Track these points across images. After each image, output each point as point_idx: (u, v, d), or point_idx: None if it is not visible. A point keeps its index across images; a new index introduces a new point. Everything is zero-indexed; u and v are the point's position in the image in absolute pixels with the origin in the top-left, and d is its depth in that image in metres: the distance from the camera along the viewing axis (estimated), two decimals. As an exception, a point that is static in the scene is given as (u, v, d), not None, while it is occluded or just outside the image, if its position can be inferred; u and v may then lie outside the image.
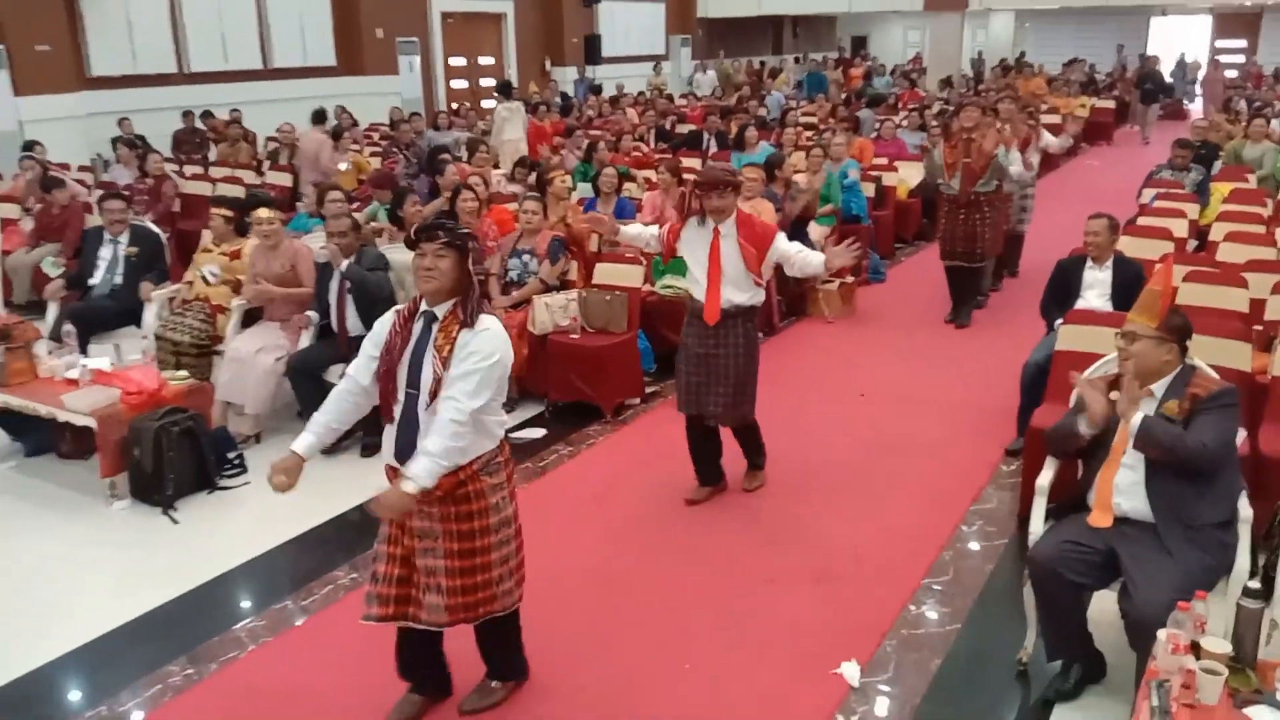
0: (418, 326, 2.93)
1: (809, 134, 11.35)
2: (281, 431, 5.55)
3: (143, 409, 4.76)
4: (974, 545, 4.25)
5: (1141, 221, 6.97)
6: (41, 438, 5.32)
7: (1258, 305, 5.11)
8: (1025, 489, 4.24)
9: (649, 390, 6.05)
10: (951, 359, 6.55)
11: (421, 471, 2.78)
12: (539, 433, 5.56)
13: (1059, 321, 4.79)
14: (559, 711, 3.25)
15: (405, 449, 2.91)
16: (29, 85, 12.12)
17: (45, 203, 7.75)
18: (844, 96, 16.21)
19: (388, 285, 5.40)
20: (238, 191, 8.51)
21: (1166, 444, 3.07)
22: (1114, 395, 3.24)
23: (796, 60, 23.22)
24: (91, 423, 4.67)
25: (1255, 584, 2.70)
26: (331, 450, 5.19)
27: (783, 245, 4.33)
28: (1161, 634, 2.61)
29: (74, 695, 3.44)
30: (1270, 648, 2.68)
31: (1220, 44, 25.68)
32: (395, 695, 3.26)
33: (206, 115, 12.95)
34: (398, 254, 5.55)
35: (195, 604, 3.96)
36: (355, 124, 13.15)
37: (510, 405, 5.77)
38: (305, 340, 5.47)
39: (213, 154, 12.13)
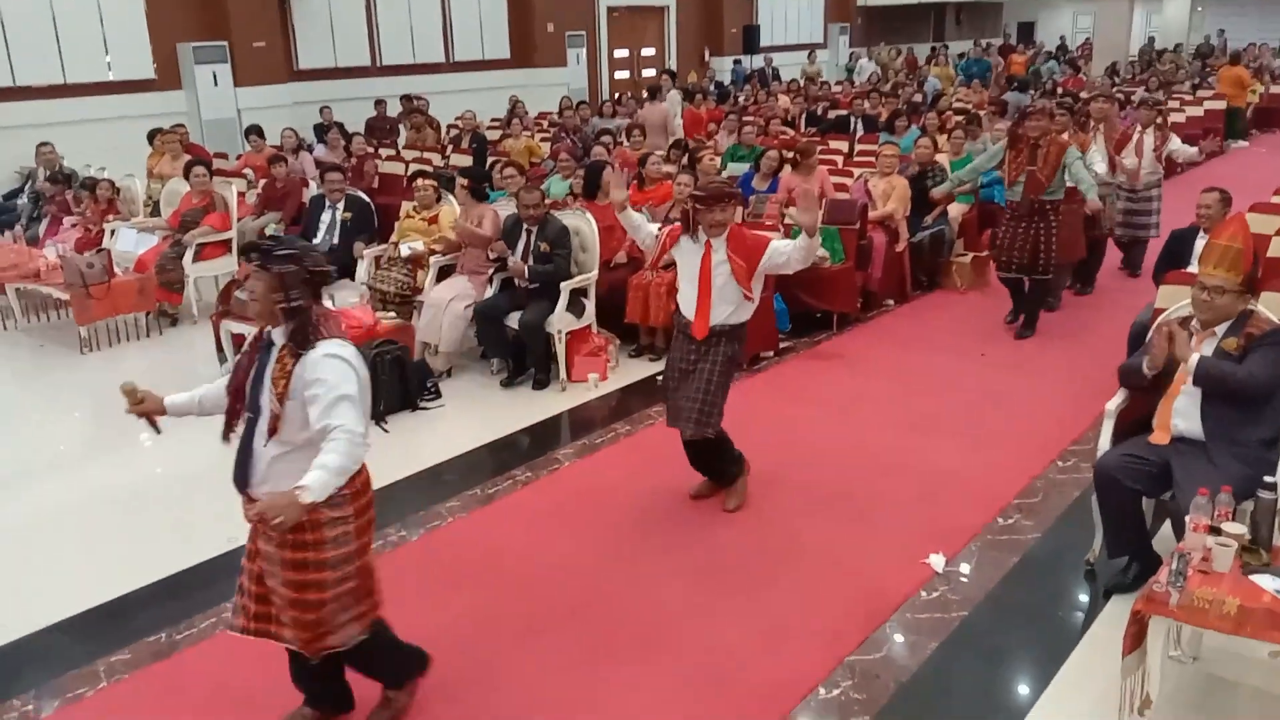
0: (264, 351, 2.83)
1: (959, 118, 11.70)
2: (468, 368, 6.55)
3: (361, 340, 5.77)
4: (1065, 476, 4.79)
5: (1274, 199, 7.17)
6: (276, 366, 6.43)
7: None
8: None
9: (782, 345, 6.74)
10: (1065, 329, 6.97)
11: (315, 483, 2.63)
12: (685, 377, 6.34)
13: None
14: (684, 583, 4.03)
15: (241, 478, 2.87)
16: (247, 77, 13.74)
17: (270, 177, 9.03)
18: (1005, 82, 16.32)
19: (565, 267, 6.21)
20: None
21: (1217, 378, 3.59)
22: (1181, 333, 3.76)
23: (958, 54, 23.11)
24: (321, 349, 5.72)
25: (1272, 478, 3.22)
26: (509, 384, 6.18)
27: (778, 252, 4.25)
28: (1187, 518, 3.18)
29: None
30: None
31: None
32: (565, 560, 4.11)
33: (407, 99, 14.25)
34: (573, 219, 6.44)
35: (405, 490, 4.92)
36: (527, 112, 14.22)
37: (658, 353, 6.60)
38: (490, 291, 6.41)
39: (401, 139, 13.43)
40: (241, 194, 9.27)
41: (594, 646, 3.61)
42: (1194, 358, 3.65)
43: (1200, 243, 5.56)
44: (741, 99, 15.46)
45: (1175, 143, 8.11)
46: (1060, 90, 14.99)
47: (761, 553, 4.20)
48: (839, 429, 5.44)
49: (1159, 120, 8.06)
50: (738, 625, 3.69)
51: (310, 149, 11.84)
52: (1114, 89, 14.76)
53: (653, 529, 4.40)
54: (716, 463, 4.62)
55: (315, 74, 14.84)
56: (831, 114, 13.38)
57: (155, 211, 8.90)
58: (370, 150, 11.04)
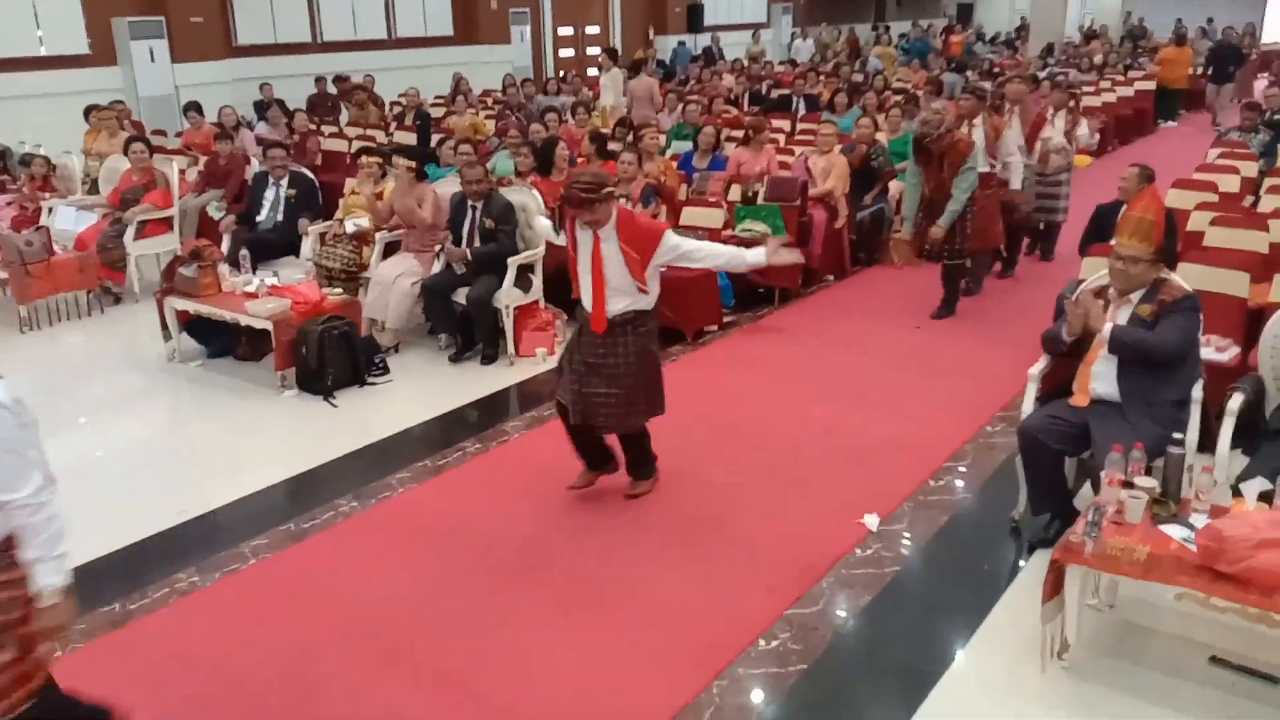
0: None
1: (897, 98, 11.92)
2: (416, 344, 6.60)
3: (308, 316, 5.82)
4: (993, 440, 5.00)
5: (1196, 176, 7.48)
6: (221, 342, 6.43)
7: (1278, 247, 5.66)
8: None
9: (726, 320, 6.89)
10: (993, 303, 7.22)
11: (46, 575, 2.41)
12: (630, 351, 6.46)
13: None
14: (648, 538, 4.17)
15: None
16: (184, 53, 13.54)
17: (212, 154, 8.95)
18: (943, 63, 16.62)
19: (510, 245, 6.28)
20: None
21: (1132, 344, 3.80)
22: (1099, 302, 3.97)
23: (900, 34, 23.39)
24: (268, 325, 5.74)
25: (1180, 435, 3.44)
26: (457, 359, 6.25)
27: (674, 244, 4.10)
28: (1102, 473, 3.38)
29: (264, 520, 4.45)
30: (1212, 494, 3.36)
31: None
32: (516, 524, 4.23)
33: (340, 79, 14.14)
34: (518, 195, 6.50)
35: (354, 463, 4.98)
36: (471, 89, 14.18)
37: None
38: (436, 267, 6.46)
39: (344, 116, 13.33)
40: (182, 171, 9.19)
41: (544, 606, 3.73)
42: (1108, 326, 3.86)
43: (1137, 215, 5.78)
44: (686, 78, 15.55)
45: (1083, 127, 8.24)
46: (997, 71, 15.30)
47: (704, 516, 4.34)
48: (780, 398, 5.60)
49: (1070, 104, 8.20)
50: (682, 583, 3.84)
51: (250, 126, 11.72)
52: (1047, 69, 15.13)
53: (601, 496, 4.52)
54: (634, 452, 4.51)
55: (255, 50, 14.65)
56: (774, 93, 13.54)
57: (94, 189, 8.78)
58: (313, 127, 10.98)
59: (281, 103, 12.48)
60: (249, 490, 4.70)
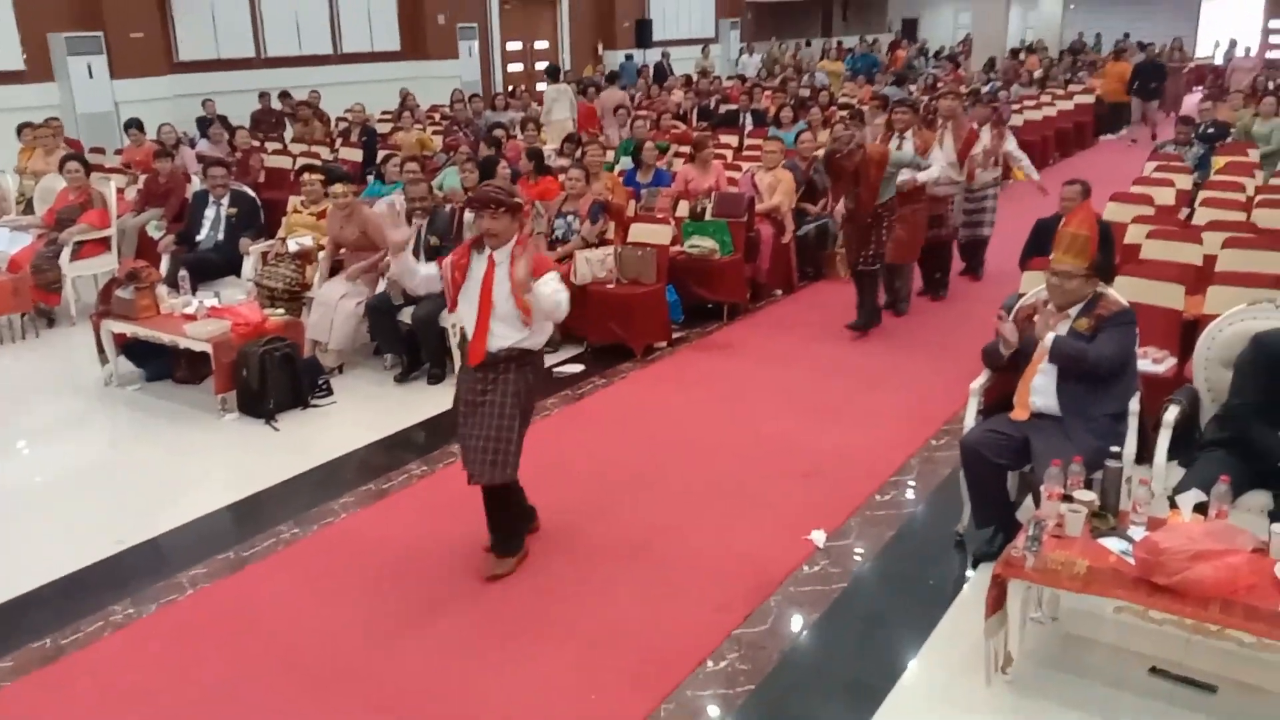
0: None
1: (843, 113, 12.05)
2: (360, 365, 6.52)
3: (249, 338, 5.71)
4: (938, 454, 5.05)
5: (1133, 189, 7.63)
6: (160, 365, 6.29)
7: (1213, 260, 5.78)
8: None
9: (675, 336, 6.89)
10: (936, 319, 7.31)
11: None
12: (578, 368, 6.44)
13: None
14: (597, 536, 4.13)
15: None
16: (124, 69, 13.28)
17: (152, 172, 8.78)
18: (889, 78, 16.84)
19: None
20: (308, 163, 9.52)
21: (1073, 356, 3.85)
22: (1037, 318, 4.02)
23: (850, 46, 23.65)
24: (208, 348, 5.63)
25: (1118, 448, 3.49)
26: (403, 379, 6.18)
27: (539, 287, 3.75)
28: (1042, 487, 3.42)
29: (204, 548, 4.35)
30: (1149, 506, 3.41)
31: (1274, 24, 25.61)
32: (462, 549, 4.18)
33: (284, 95, 13.98)
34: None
35: (297, 488, 4.90)
36: (418, 104, 14.09)
37: (553, 345, 6.69)
38: (381, 286, 6.38)
39: (288, 132, 13.17)
40: (121, 190, 9.00)
41: (490, 628, 3.68)
42: (1049, 337, 3.91)
43: (1072, 230, 5.87)
44: (635, 94, 15.59)
45: (1011, 143, 8.03)
46: (940, 85, 15.53)
47: (652, 535, 4.32)
48: (728, 414, 5.61)
49: (994, 119, 8.16)
50: (629, 604, 3.81)
51: (192, 143, 11.54)
52: (990, 84, 15.38)
53: (546, 516, 4.47)
54: (502, 517, 4.03)
55: (196, 65, 14.42)
56: (722, 108, 13.61)
57: (29, 209, 8.57)
58: (256, 144, 10.84)
59: (224, 119, 12.30)
60: (188, 517, 4.60)
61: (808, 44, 23.16)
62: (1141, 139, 14.95)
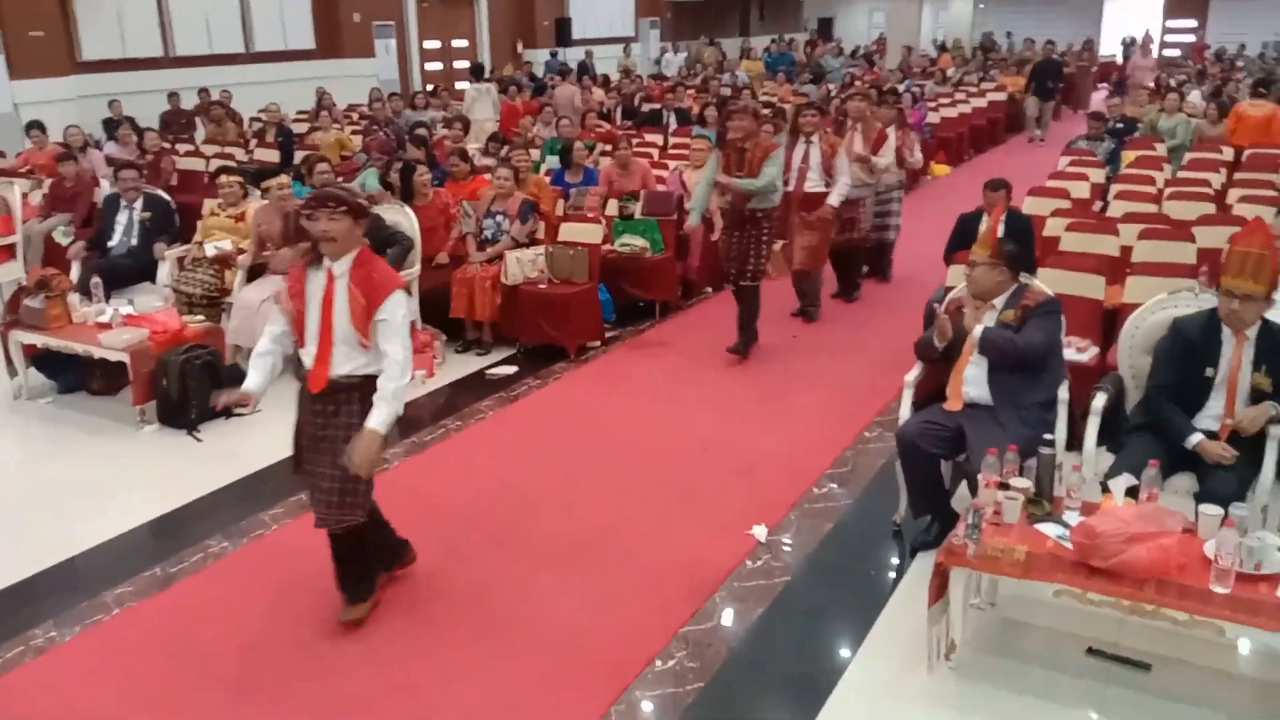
0: None
1: (766, 111, 12.16)
2: (284, 371, 6.32)
3: (168, 346, 5.52)
4: (872, 445, 5.11)
5: (1049, 184, 7.83)
6: (73, 377, 6.05)
7: (1129, 251, 5.96)
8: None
9: (608, 335, 6.86)
10: (861, 313, 7.40)
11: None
12: (512, 369, 6.36)
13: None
14: (519, 554, 4.08)
15: None
16: (23, 69, 12.77)
17: (57, 176, 8.44)
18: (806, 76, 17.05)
19: (401, 255, 6.15)
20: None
21: (1002, 346, 3.93)
22: (965, 310, 4.10)
23: (766, 48, 23.83)
24: (125, 357, 5.43)
25: (1050, 436, 3.57)
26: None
27: (397, 305, 3.37)
28: (979, 475, 3.47)
29: (128, 566, 4.18)
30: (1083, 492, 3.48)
31: (1171, 24, 26.60)
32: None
33: (203, 92, 13.59)
34: (392, 214, 6.35)
35: (223, 500, 4.75)
36: (335, 104, 13.81)
37: (485, 348, 6.61)
38: (305, 290, 6.21)
39: (200, 134, 12.79)
40: (25, 194, 8.65)
41: (431, 637, 3.61)
42: (978, 328, 3.98)
43: (984, 225, 5.99)
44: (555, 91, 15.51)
45: (915, 152, 8.11)
46: (856, 83, 15.77)
47: (594, 534, 4.29)
48: (663, 413, 5.60)
49: (899, 120, 8.12)
50: (574, 608, 3.77)
51: (99, 145, 11.12)
52: (906, 82, 15.66)
53: (485, 521, 4.42)
54: (351, 563, 3.66)
55: (102, 65, 13.93)
56: (645, 107, 13.62)
57: (-76, 216, 8.17)
58: (166, 146, 10.50)
59: (132, 120, 11.90)
60: (110, 534, 4.41)
61: (710, 43, 23.28)
62: (1051, 138, 15.20)
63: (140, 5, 14.43)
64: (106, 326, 5.63)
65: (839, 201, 6.71)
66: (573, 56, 20.23)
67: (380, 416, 3.34)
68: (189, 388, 5.44)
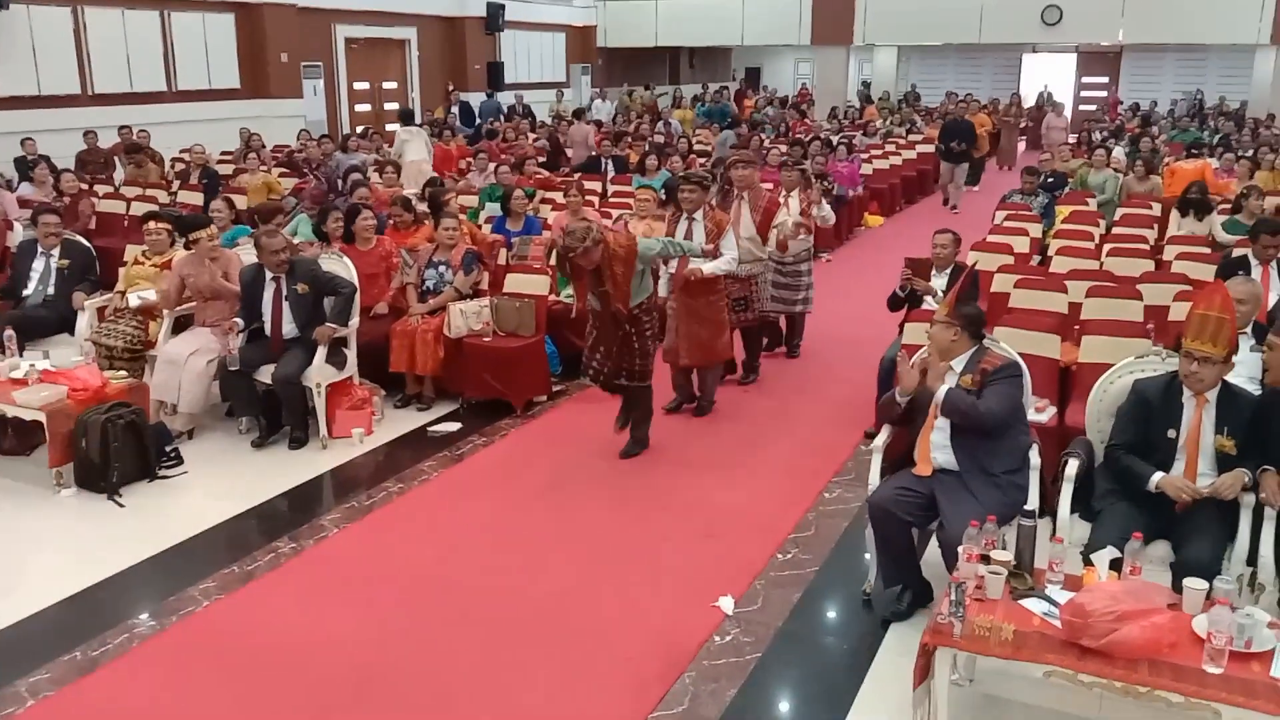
0: None
1: (702, 160, 12.19)
2: (212, 429, 6.01)
3: (88, 404, 5.17)
4: (833, 508, 4.99)
5: (990, 239, 7.91)
6: (-19, 436, 5.64)
7: (1077, 308, 5.99)
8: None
9: (555, 389, 6.66)
10: (801, 374, 7.35)
11: None
12: (455, 426, 6.11)
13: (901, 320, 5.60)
14: (492, 626, 3.84)
15: None
16: (-71, 104, 12.16)
17: (-34, 219, 8.00)
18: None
19: (350, 295, 5.93)
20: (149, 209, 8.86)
21: (963, 409, 3.85)
22: (929, 371, 4.01)
23: (696, 96, 23.96)
24: (41, 417, 5.06)
25: (1030, 507, 3.48)
26: (261, 444, 5.73)
27: None
28: (960, 549, 3.36)
29: (44, 651, 3.82)
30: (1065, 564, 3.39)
31: (1086, 79, 27.60)
32: (341, 640, 3.81)
33: (124, 129, 13.12)
34: (330, 263, 6.10)
35: (149, 573, 4.41)
36: (264, 145, 13.45)
37: (427, 403, 6.36)
38: (235, 344, 5.90)
39: (119, 174, 12.31)
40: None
41: (383, 731, 3.35)
42: (941, 390, 3.90)
43: (937, 280, 5.96)
44: (494, 130, 15.41)
45: (825, 209, 7.59)
46: (791, 134, 15.95)
47: (555, 603, 4.08)
48: (616, 471, 5.41)
49: (804, 184, 7.32)
50: (537, 688, 3.55)
51: (11, 186, 10.62)
52: (840, 133, 15.90)
53: (439, 593, 4.17)
54: None
55: (14, 102, 13.33)
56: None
57: None
58: (85, 187, 10.03)
59: (47, 158, 11.39)
60: (23, 613, 4.04)
61: (647, 88, 23.46)
62: (968, 202, 14.17)
63: (57, 41, 13.89)
64: (21, 383, 5.25)
65: (710, 272, 5.85)
66: (503, 100, 20.13)
67: None
68: (110, 448, 5.09)
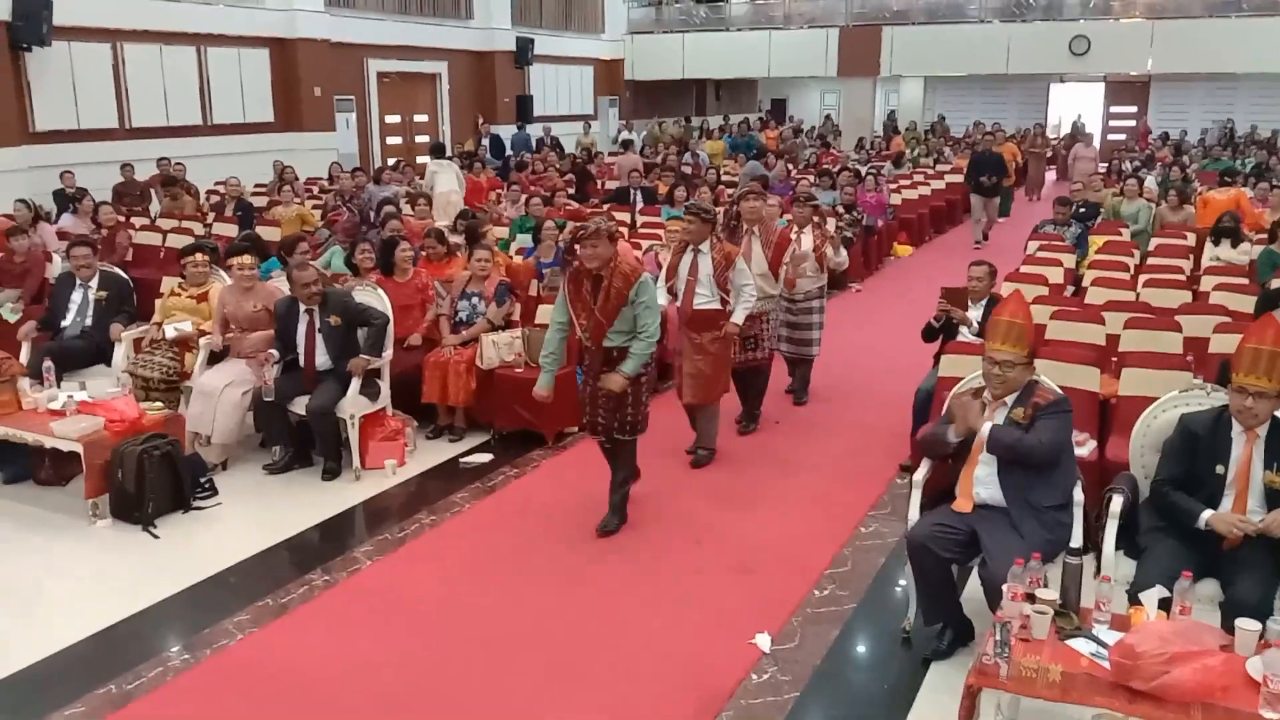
0: None
1: (730, 191, 12.21)
2: (246, 460, 6.03)
3: (124, 435, 5.20)
4: (869, 543, 4.92)
5: (1023, 269, 7.85)
6: (18, 466, 5.68)
7: (1114, 339, 5.92)
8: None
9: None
10: (829, 406, 7.29)
11: None
12: (486, 457, 6.10)
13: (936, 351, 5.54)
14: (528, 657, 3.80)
15: None
16: (-28, 139, 12.41)
17: (7, 251, 8.11)
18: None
19: (384, 324, 5.94)
20: (187, 242, 8.96)
21: (1009, 444, 3.79)
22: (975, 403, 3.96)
23: (720, 127, 24.03)
24: (78, 448, 5.10)
25: (1077, 544, 3.41)
26: (276, 470, 5.78)
27: None
28: (1005, 587, 3.29)
29: (78, 683, 3.82)
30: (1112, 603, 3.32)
31: (1114, 109, 27.48)
32: (374, 674, 3.78)
33: (163, 161, 13.32)
34: (363, 295, 6.14)
35: (184, 605, 4.41)
36: (297, 178, 13.60)
37: (459, 434, 6.36)
38: (271, 375, 5.93)
39: (154, 206, 12.48)
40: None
41: (417, 770, 3.32)
42: (986, 426, 3.85)
43: (973, 312, 5.90)
44: (523, 163, 15.51)
45: (841, 254, 7.27)
46: (827, 165, 15.95)
47: (589, 638, 4.04)
48: (651, 503, 5.36)
49: (816, 219, 7.03)
50: (570, 729, 3.51)
51: (50, 218, 10.79)
52: (869, 163, 15.89)
53: (470, 627, 4.14)
54: None
55: (55, 136, 13.60)
56: (611, 185, 13.61)
57: None
58: (122, 219, 10.18)
59: (85, 191, 11.58)
60: (57, 646, 4.04)
61: (686, 120, 23.61)
62: (997, 232, 14.05)
63: (97, 76, 14.19)
64: (59, 414, 5.30)
65: (743, 319, 5.75)
66: (532, 132, 20.30)
67: None
68: (146, 480, 5.11)
